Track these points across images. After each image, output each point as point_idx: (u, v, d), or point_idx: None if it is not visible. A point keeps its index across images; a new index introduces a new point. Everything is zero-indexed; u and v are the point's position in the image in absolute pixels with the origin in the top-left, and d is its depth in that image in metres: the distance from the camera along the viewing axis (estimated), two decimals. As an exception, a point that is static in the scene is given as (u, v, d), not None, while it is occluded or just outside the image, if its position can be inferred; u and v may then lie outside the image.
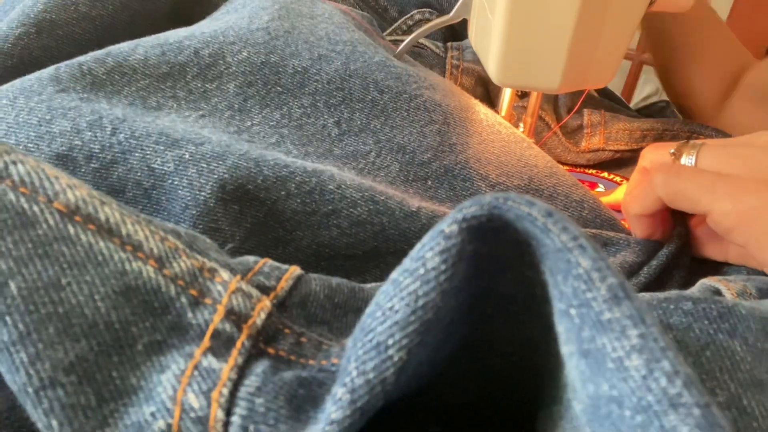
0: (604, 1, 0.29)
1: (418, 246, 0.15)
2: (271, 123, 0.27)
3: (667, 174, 0.27)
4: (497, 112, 0.39)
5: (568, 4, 0.28)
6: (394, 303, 0.14)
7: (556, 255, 0.13)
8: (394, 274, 0.15)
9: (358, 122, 0.29)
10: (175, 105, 0.25)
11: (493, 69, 0.33)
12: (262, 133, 0.27)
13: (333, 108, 0.29)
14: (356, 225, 0.25)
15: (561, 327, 0.13)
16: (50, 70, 0.25)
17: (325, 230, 0.25)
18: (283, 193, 0.24)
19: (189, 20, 0.35)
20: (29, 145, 0.22)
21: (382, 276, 0.26)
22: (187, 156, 0.22)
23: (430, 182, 0.30)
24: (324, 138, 0.28)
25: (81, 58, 0.25)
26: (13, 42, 0.28)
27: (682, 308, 0.18)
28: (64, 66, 0.25)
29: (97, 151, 0.22)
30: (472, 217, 0.14)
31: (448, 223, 0.14)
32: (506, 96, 0.38)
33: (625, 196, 0.30)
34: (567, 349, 0.13)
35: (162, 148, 0.22)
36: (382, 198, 0.26)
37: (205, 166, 0.22)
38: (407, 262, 0.15)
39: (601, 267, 0.12)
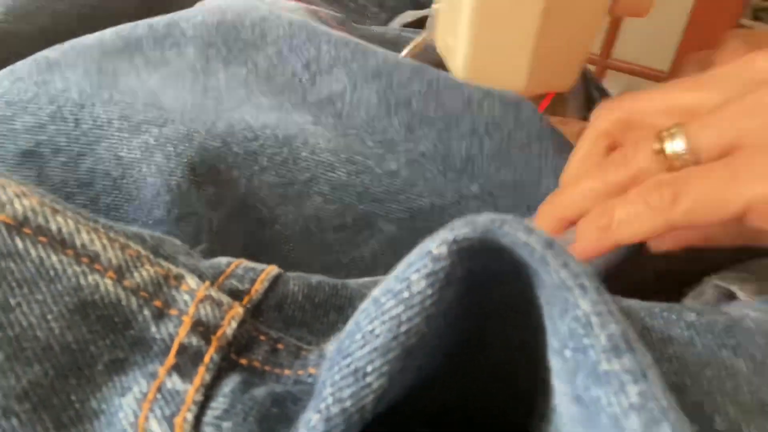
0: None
1: (403, 265, 0.13)
2: (239, 79, 0.25)
3: (673, 185, 0.19)
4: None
5: (532, 2, 0.28)
6: (375, 326, 0.13)
7: (553, 290, 0.12)
8: (377, 293, 0.14)
9: (327, 57, 0.27)
10: (133, 71, 0.24)
11: (459, 69, 0.32)
12: (229, 90, 0.25)
13: (299, 49, 0.27)
14: (338, 188, 0.24)
15: (554, 362, 0.12)
16: (8, 68, 0.23)
17: (308, 200, 0.24)
18: (256, 167, 0.23)
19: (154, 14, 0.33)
20: None
21: (380, 248, 0.25)
22: (152, 141, 0.21)
23: (414, 103, 0.27)
24: (296, 86, 0.26)
25: (38, 53, 0.24)
26: None
27: (686, 320, 0.16)
28: (20, 62, 0.23)
29: (63, 144, 0.21)
30: (463, 239, 0.12)
31: (437, 244, 0.13)
32: None
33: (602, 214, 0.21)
34: (558, 386, 0.12)
35: (126, 135, 0.21)
36: (360, 158, 0.24)
37: (171, 149, 0.21)
38: (391, 282, 0.13)
39: (602, 312, 0.11)
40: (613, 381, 0.11)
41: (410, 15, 0.47)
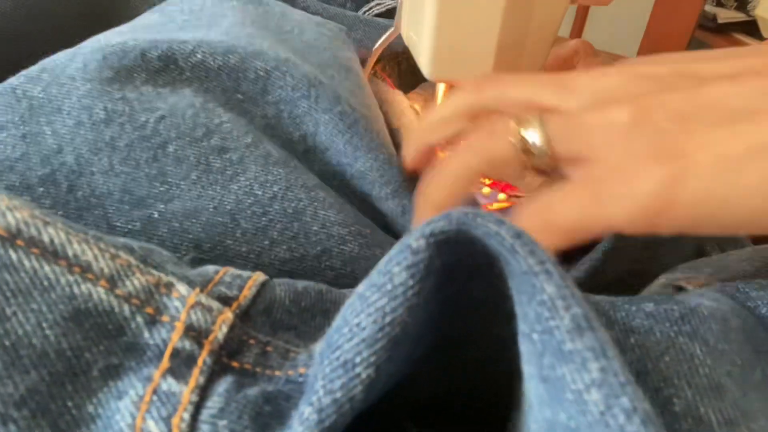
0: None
1: (385, 259, 0.14)
2: (241, 123, 0.24)
3: (533, 213, 0.20)
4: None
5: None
6: (362, 319, 0.14)
7: (521, 277, 0.13)
8: (361, 288, 0.14)
9: (323, 137, 0.26)
10: (127, 109, 0.22)
11: (425, 64, 0.33)
12: (234, 132, 0.23)
13: (300, 119, 0.26)
14: (350, 262, 0.23)
15: (523, 347, 0.13)
16: None
17: (319, 275, 0.23)
18: (266, 242, 0.22)
19: (102, 18, 0.30)
20: None
21: None
22: (156, 215, 0.21)
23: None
24: (296, 155, 0.26)
25: (13, 81, 0.22)
26: None
27: (644, 310, 0.18)
28: None
29: (47, 207, 0.20)
30: (440, 232, 0.13)
31: (416, 238, 0.14)
32: (440, 91, 0.38)
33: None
34: (527, 369, 0.13)
35: (127, 207, 0.20)
36: (369, 231, 0.24)
37: (177, 225, 0.21)
38: (374, 277, 0.14)
39: (566, 295, 0.12)
40: (576, 359, 0.12)
41: (378, 5, 0.47)
